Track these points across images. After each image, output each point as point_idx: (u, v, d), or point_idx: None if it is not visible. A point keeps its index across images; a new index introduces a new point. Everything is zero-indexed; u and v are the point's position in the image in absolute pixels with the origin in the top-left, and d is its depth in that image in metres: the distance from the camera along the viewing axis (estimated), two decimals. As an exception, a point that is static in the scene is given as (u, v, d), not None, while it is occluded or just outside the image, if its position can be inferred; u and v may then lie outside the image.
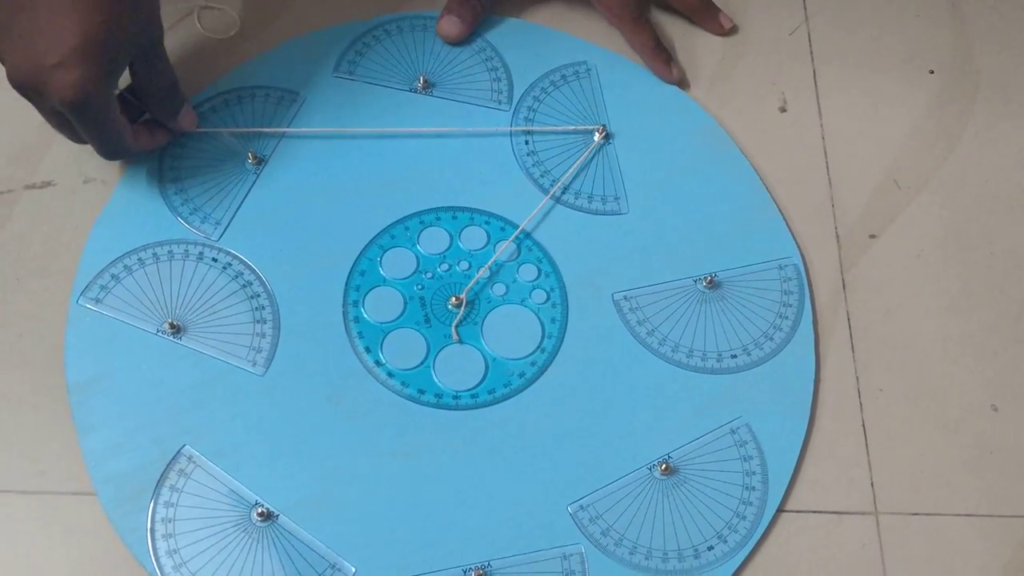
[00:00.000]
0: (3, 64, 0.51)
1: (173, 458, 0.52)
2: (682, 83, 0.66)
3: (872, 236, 0.62)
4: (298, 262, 0.58)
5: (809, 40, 0.69)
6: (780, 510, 0.54)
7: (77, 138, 0.55)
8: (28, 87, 0.50)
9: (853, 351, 0.59)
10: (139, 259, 0.57)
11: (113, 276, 0.57)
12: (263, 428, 0.54)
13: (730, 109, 0.66)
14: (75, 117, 0.52)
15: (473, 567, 0.51)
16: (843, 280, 0.61)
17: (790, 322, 0.59)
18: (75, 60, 0.49)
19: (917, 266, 0.62)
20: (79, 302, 0.56)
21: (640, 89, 0.66)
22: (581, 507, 0.53)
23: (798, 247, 0.61)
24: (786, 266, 0.61)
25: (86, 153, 0.61)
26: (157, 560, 0.50)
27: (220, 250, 0.58)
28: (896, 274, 0.61)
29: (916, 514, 0.55)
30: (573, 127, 0.63)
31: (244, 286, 0.57)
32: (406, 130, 0.62)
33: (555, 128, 0.63)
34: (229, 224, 0.59)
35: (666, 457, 0.55)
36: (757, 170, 0.64)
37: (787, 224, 0.62)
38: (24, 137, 0.62)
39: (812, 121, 0.67)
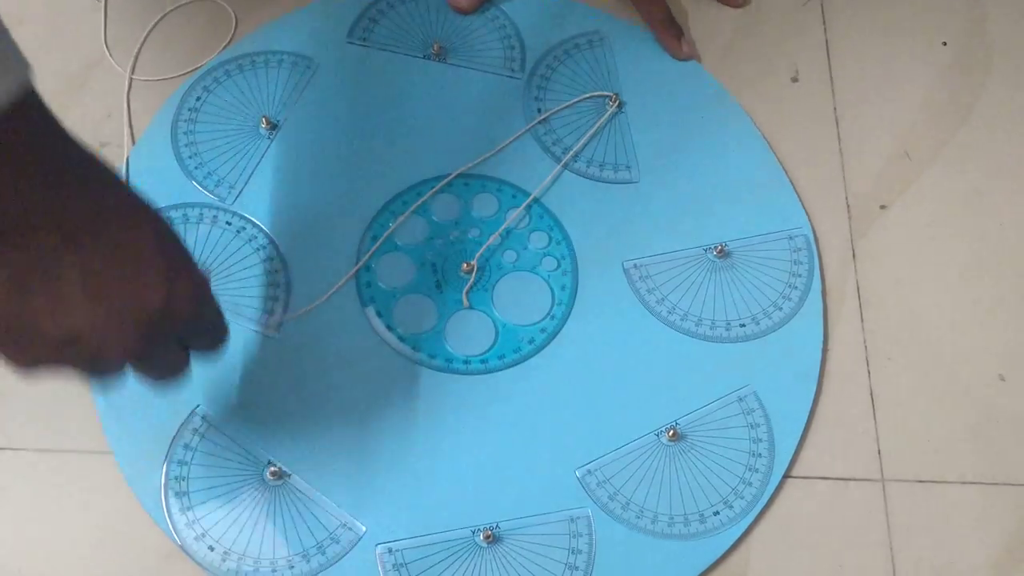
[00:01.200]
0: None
1: (187, 418, 0.53)
2: (693, 58, 0.66)
3: (882, 207, 0.63)
4: (312, 227, 0.59)
5: (822, 11, 0.69)
6: (786, 476, 0.55)
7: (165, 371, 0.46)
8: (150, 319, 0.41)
9: (862, 320, 0.59)
10: (154, 222, 0.58)
11: (128, 239, 0.57)
12: (276, 390, 0.54)
13: (742, 79, 0.66)
14: (197, 324, 0.45)
15: (482, 528, 0.52)
16: (853, 250, 0.61)
17: (799, 292, 0.59)
18: (173, 275, 0.42)
19: (927, 237, 0.62)
20: (94, 264, 0.56)
21: (653, 59, 0.66)
22: (589, 471, 0.54)
23: (808, 217, 0.62)
24: (796, 236, 0.61)
25: (102, 116, 0.62)
26: (171, 517, 0.51)
27: (234, 214, 0.58)
28: (906, 244, 0.62)
29: (922, 481, 0.55)
30: (586, 95, 0.64)
31: (258, 249, 0.58)
32: (420, 108, 0.63)
33: (569, 103, 0.64)
34: (243, 188, 0.59)
35: (673, 423, 0.55)
36: (768, 140, 0.64)
37: (798, 194, 0.62)
38: (40, 100, 0.62)
39: (824, 92, 0.66)
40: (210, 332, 0.48)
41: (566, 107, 0.63)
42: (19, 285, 0.39)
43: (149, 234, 0.42)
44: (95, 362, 0.42)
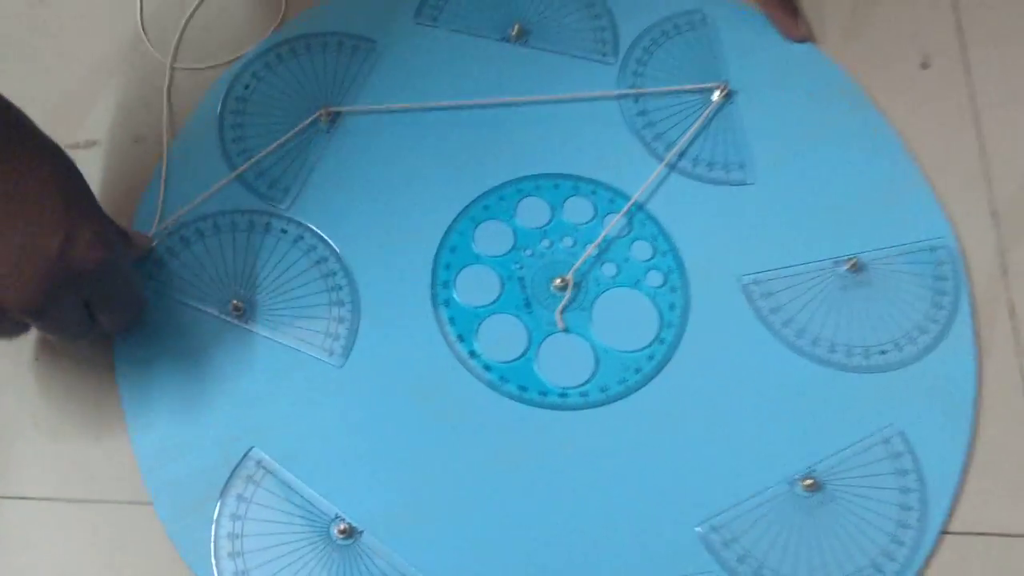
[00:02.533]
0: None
1: (240, 462, 0.45)
2: (808, 40, 0.58)
3: (1037, 214, 0.54)
4: (379, 236, 0.50)
5: (954, -14, 0.61)
6: (943, 532, 0.47)
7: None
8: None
9: (1017, 344, 0.51)
10: (198, 230, 0.50)
11: (168, 250, 0.49)
12: (342, 429, 0.46)
13: (865, 65, 0.58)
14: (102, 284, 0.43)
15: (588, 596, 0.44)
16: (1003, 264, 0.53)
17: (946, 313, 0.51)
18: (75, 218, 0.40)
19: (1092, 249, 0.53)
20: (130, 279, 0.49)
21: (763, 42, 0.57)
22: (712, 528, 0.46)
23: (952, 227, 0.53)
24: (938, 248, 0.52)
25: (137, 107, 0.54)
26: (223, 582, 0.43)
27: (290, 220, 0.50)
28: (1069, 258, 0.53)
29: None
30: (691, 85, 0.55)
31: (318, 262, 0.50)
32: (497, 100, 0.54)
33: (671, 89, 0.55)
34: (300, 191, 0.51)
35: (810, 470, 0.47)
36: (899, 135, 0.55)
37: (936, 197, 0.54)
38: (64, 87, 0.54)
39: (958, 79, 0.58)
40: (119, 302, 0.45)
41: (668, 91, 0.55)
42: None
43: (48, 171, 0.40)
44: None
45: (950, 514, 0.47)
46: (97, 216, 0.42)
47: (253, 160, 0.51)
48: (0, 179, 0.38)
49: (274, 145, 0.52)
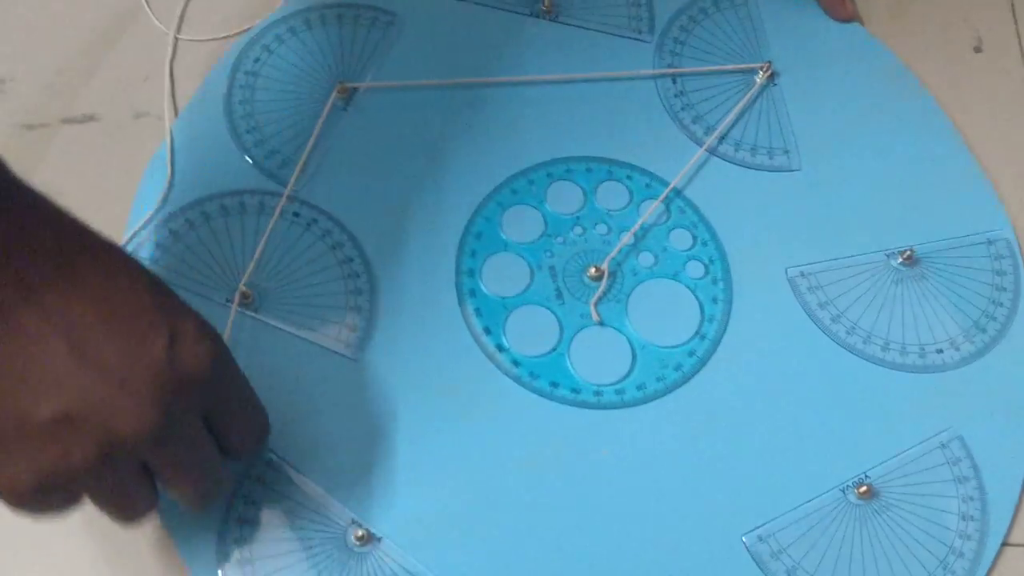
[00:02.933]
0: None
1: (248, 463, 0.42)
2: (855, 19, 0.54)
3: (1099, 206, 0.51)
4: (400, 221, 0.47)
5: (1006, -36, 0.57)
6: (1005, 543, 0.43)
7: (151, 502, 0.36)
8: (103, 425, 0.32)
9: (1079, 347, 0.48)
10: (203, 212, 0.46)
11: (172, 232, 0.46)
12: (358, 427, 0.43)
13: (914, 48, 0.54)
14: (221, 387, 0.36)
15: (627, 611, 0.40)
16: (1065, 259, 0.50)
17: (1005, 310, 0.48)
18: (172, 317, 0.33)
19: None
20: (130, 263, 0.45)
21: (807, 21, 0.54)
22: (759, 538, 0.42)
23: (1010, 218, 0.50)
24: (996, 240, 0.49)
25: (138, 81, 0.50)
26: (229, 593, 0.39)
27: (303, 203, 0.47)
28: None
29: None
30: (732, 66, 0.52)
31: (333, 248, 0.46)
32: (526, 78, 0.51)
33: (712, 68, 0.52)
34: (315, 172, 0.48)
35: (863, 477, 0.43)
36: (951, 121, 0.52)
37: (993, 186, 0.50)
38: (61, 59, 0.51)
39: (1014, 63, 0.55)
40: (245, 409, 0.37)
41: (708, 71, 0.51)
42: None
43: (126, 276, 0.34)
44: (109, 457, 0.32)
45: (1012, 524, 0.44)
46: (187, 305, 0.35)
47: (263, 140, 0.48)
48: (77, 296, 0.32)
49: (286, 123, 0.49)
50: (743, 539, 0.42)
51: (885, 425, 0.45)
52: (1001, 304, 0.48)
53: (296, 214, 0.47)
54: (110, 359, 0.32)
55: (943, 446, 0.44)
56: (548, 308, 0.46)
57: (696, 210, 0.49)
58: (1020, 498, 0.44)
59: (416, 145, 0.49)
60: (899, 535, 0.43)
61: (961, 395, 0.46)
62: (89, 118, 0.50)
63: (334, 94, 0.49)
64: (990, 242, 0.49)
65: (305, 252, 0.46)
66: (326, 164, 0.48)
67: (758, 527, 0.42)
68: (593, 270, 0.46)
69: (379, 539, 0.41)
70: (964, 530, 0.43)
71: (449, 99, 0.50)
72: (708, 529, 0.42)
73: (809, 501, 0.43)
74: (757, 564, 0.42)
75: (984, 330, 0.47)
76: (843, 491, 0.43)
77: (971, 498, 0.44)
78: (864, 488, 0.43)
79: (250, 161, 0.48)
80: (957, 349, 0.46)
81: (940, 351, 0.46)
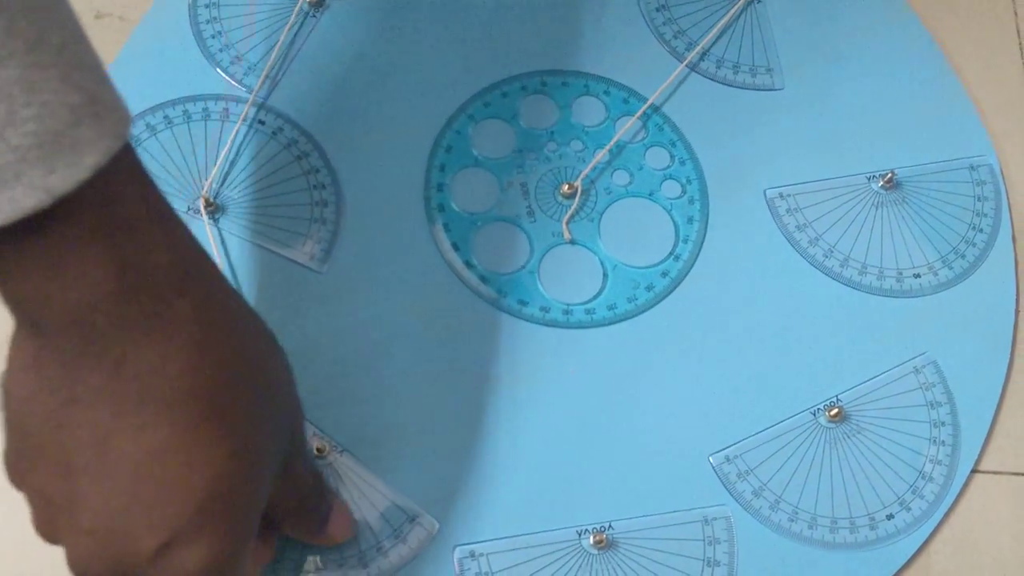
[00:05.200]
0: (66, 551, 0.30)
1: (207, 373, 0.41)
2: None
3: (1086, 133, 0.50)
4: (368, 131, 0.45)
5: None
6: (975, 471, 0.43)
7: None
8: None
9: (1058, 275, 0.47)
10: (166, 117, 0.45)
11: (132, 139, 0.44)
12: (322, 340, 0.42)
13: (904, -32, 0.53)
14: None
15: (590, 528, 0.40)
16: (1048, 187, 0.49)
17: (985, 236, 0.47)
18: (195, 530, 0.28)
19: None
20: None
21: (795, -64, 0.52)
22: (727, 459, 0.42)
23: (993, 143, 0.49)
24: (979, 166, 0.48)
25: (98, -21, 0.48)
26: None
27: (269, 110, 0.45)
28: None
29: None
30: (716, -22, 0.50)
31: (298, 158, 0.45)
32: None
33: (693, -23, 0.50)
34: (280, 78, 0.46)
35: (835, 400, 0.43)
36: (939, 45, 0.51)
37: (977, 111, 0.49)
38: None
39: (1006, -12, 0.53)
40: (304, 492, 0.35)
41: (691, -9, 0.50)
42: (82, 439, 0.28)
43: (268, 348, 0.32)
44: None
45: (983, 451, 0.43)
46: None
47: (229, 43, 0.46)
48: (218, 357, 0.29)
49: (253, 28, 0.47)
50: (710, 459, 0.41)
51: (859, 349, 0.44)
52: (981, 230, 0.47)
53: (261, 122, 0.45)
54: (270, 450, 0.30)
55: (917, 371, 0.44)
56: (518, 225, 0.45)
57: (674, 128, 0.47)
58: (991, 425, 0.44)
59: (387, 53, 0.47)
60: (869, 459, 0.42)
61: (937, 321, 0.45)
62: (48, 20, 0.48)
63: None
64: (973, 167, 0.48)
65: (269, 162, 0.45)
66: (293, 71, 0.46)
67: (725, 448, 0.42)
68: (566, 187, 0.45)
69: (339, 452, 0.40)
70: (935, 455, 0.43)
71: (422, 5, 0.48)
72: (676, 450, 0.42)
73: (779, 423, 0.42)
74: (724, 484, 0.41)
75: (963, 256, 0.46)
76: (814, 414, 0.43)
77: (943, 423, 0.43)
78: (835, 411, 0.42)
79: (215, 66, 0.46)
80: (935, 274, 0.46)
81: (918, 276, 0.46)
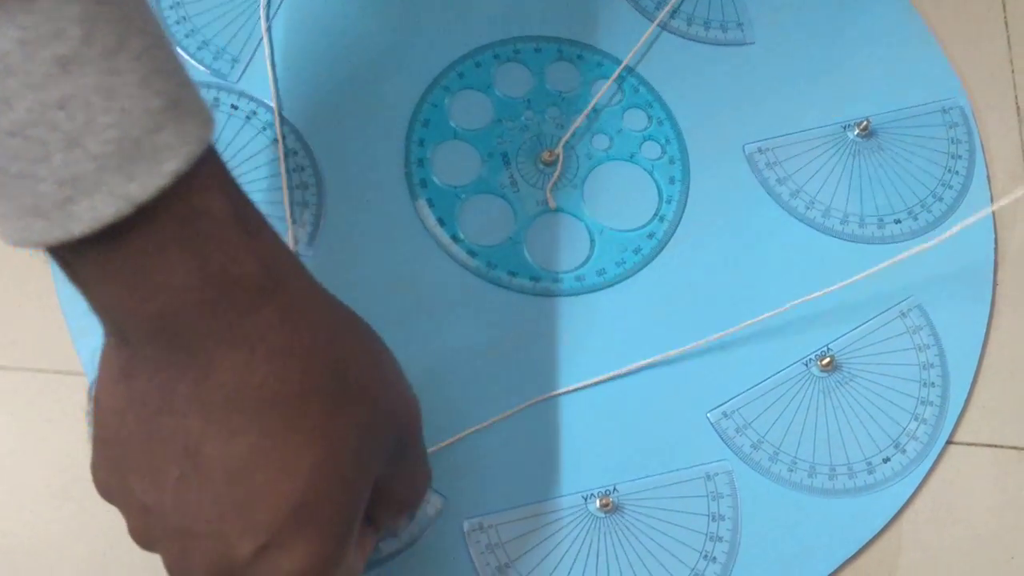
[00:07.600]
0: (163, 558, 0.29)
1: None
2: None
3: (1054, 69, 0.50)
4: (343, 110, 0.45)
5: None
6: (967, 407, 0.44)
7: None
8: None
9: (1034, 212, 0.48)
10: (135, 109, 0.44)
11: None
12: (314, 324, 0.41)
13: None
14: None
15: (596, 493, 0.40)
16: (1021, 126, 0.49)
17: (961, 178, 0.47)
18: (291, 534, 0.28)
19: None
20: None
21: None
22: (724, 414, 0.42)
23: (962, 85, 0.49)
24: (951, 108, 0.49)
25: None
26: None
27: (241, 94, 0.44)
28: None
29: None
30: (681, -66, 0.50)
31: (275, 141, 0.44)
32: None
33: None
34: (250, 60, 0.45)
35: (826, 349, 0.43)
36: (905, -12, 0.51)
37: (945, 54, 0.50)
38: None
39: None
40: (412, 486, 0.34)
41: (657, -51, 0.50)
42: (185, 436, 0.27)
43: (368, 343, 0.32)
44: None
45: (971, 390, 0.44)
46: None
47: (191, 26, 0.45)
48: (323, 359, 0.29)
49: (219, 11, 0.46)
50: (708, 416, 0.42)
51: (846, 298, 0.44)
52: (957, 172, 0.47)
53: (234, 107, 0.44)
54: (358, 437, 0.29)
55: (903, 315, 0.44)
56: (502, 196, 0.45)
57: (650, 88, 0.47)
58: (979, 364, 0.44)
59: (357, 30, 0.46)
60: (863, 404, 0.43)
61: (920, 264, 0.45)
62: None
63: (266, -21, 0.46)
64: (944, 110, 0.48)
65: (245, 147, 0.44)
66: (262, 53, 0.45)
67: (722, 404, 0.42)
68: (546, 154, 0.45)
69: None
70: (926, 397, 0.43)
71: (388, -19, 0.48)
72: (674, 409, 0.42)
73: (773, 375, 0.43)
74: (723, 439, 0.42)
75: (941, 199, 0.47)
76: (806, 364, 0.43)
77: (932, 365, 0.44)
78: (827, 360, 0.43)
79: (182, 53, 0.45)
80: (915, 219, 0.46)
81: (898, 221, 0.46)
